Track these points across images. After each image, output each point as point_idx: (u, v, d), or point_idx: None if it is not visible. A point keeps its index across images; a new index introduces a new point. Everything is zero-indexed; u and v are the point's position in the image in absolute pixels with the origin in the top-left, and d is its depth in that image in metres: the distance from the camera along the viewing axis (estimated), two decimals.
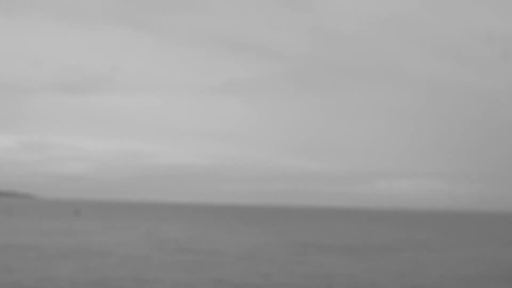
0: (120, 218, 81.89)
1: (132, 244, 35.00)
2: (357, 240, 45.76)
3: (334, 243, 41.15)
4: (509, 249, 40.09)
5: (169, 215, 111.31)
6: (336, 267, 24.86)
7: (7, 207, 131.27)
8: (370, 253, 33.27)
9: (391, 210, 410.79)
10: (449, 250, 37.47)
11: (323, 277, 21.20)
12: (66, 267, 22.19)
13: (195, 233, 49.61)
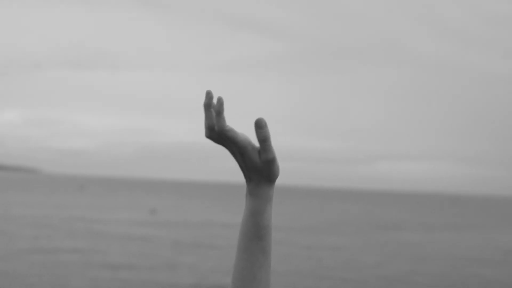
0: (124, 195, 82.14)
1: (136, 222, 35.07)
2: (360, 219, 45.79)
3: (335, 222, 41.19)
4: None
5: (174, 192, 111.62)
6: (339, 245, 24.89)
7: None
8: (372, 232, 33.27)
9: (395, 192, 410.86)
10: (452, 232, 37.44)
11: (327, 253, 21.23)
12: (64, 245, 22.25)
13: (200, 212, 49.70)
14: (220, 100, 1.35)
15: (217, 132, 1.36)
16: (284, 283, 15.63)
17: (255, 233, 1.40)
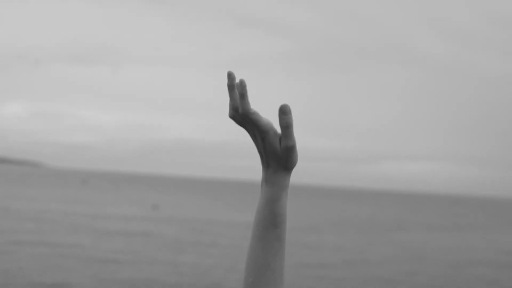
0: (127, 190, 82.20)
1: (137, 217, 35.09)
2: (362, 219, 45.77)
3: (337, 221, 41.17)
4: None
5: (176, 189, 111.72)
6: (339, 244, 24.88)
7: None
8: (374, 231, 33.26)
9: (398, 192, 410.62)
10: (454, 232, 37.40)
11: (328, 253, 21.23)
12: (65, 239, 22.28)
13: (202, 209, 49.74)
14: (242, 83, 1.35)
15: (241, 114, 1.36)
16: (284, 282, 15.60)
17: (271, 221, 1.40)
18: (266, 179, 1.40)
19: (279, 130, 1.39)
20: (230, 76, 1.35)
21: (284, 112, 1.34)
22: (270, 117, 1.32)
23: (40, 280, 13.71)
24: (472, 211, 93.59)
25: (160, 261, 17.65)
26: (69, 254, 17.78)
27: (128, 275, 15.12)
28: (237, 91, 1.36)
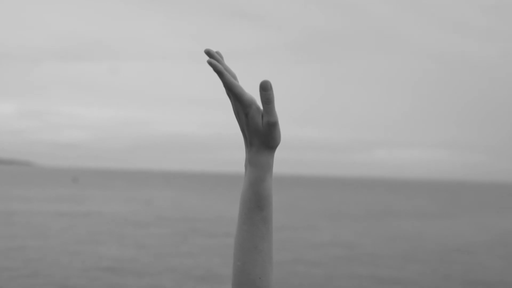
0: (119, 186, 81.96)
1: (132, 213, 34.96)
2: (356, 207, 45.83)
3: (330, 210, 41.19)
4: (508, 218, 40.11)
5: (169, 184, 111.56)
6: (335, 232, 24.87)
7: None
8: (369, 219, 33.26)
9: (390, 179, 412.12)
10: (448, 218, 37.49)
11: (325, 241, 21.20)
12: (57, 240, 22.14)
13: (196, 203, 49.67)
14: (211, 63, 1.34)
15: (227, 88, 1.36)
16: (278, 274, 15.54)
17: (256, 204, 1.38)
18: (249, 160, 1.39)
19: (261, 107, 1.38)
20: (209, 54, 1.37)
21: (264, 88, 1.33)
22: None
23: (34, 283, 13.55)
24: (470, 196, 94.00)
25: (156, 258, 17.53)
26: (63, 254, 17.62)
27: (125, 272, 14.99)
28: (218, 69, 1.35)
